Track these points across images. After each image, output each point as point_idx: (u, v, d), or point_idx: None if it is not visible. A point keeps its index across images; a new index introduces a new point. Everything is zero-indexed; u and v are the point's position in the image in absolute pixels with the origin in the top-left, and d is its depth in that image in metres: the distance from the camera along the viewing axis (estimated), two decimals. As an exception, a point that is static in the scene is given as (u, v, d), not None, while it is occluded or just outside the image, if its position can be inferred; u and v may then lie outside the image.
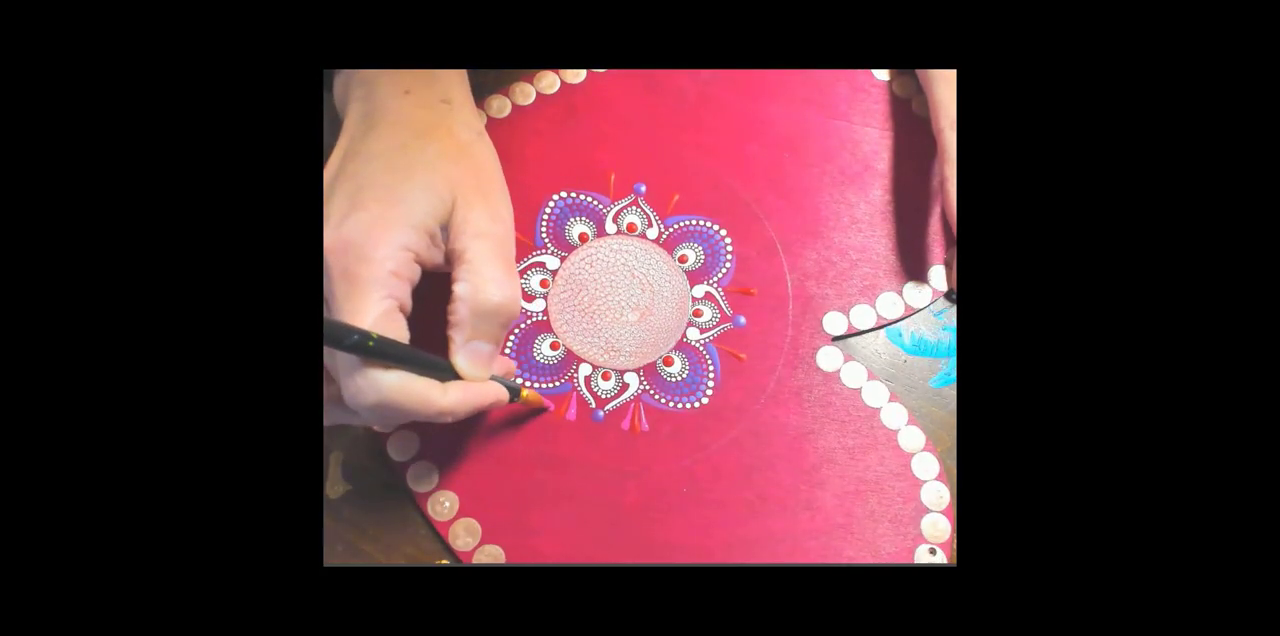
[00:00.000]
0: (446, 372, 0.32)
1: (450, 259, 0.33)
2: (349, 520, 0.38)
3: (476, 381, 0.32)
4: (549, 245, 0.41)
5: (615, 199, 0.42)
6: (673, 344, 0.40)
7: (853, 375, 0.40)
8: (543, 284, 0.41)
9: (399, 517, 0.38)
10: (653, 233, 0.42)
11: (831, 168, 0.43)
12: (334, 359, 0.30)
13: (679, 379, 0.39)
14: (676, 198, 0.42)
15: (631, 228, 0.42)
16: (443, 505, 0.37)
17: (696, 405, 0.39)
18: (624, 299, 0.41)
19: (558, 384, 0.39)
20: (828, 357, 0.40)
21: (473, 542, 0.37)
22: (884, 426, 0.39)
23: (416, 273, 0.31)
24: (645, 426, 0.39)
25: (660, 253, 0.41)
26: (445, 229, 0.32)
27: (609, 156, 0.43)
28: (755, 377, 0.40)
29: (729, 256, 0.42)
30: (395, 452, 0.38)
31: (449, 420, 0.32)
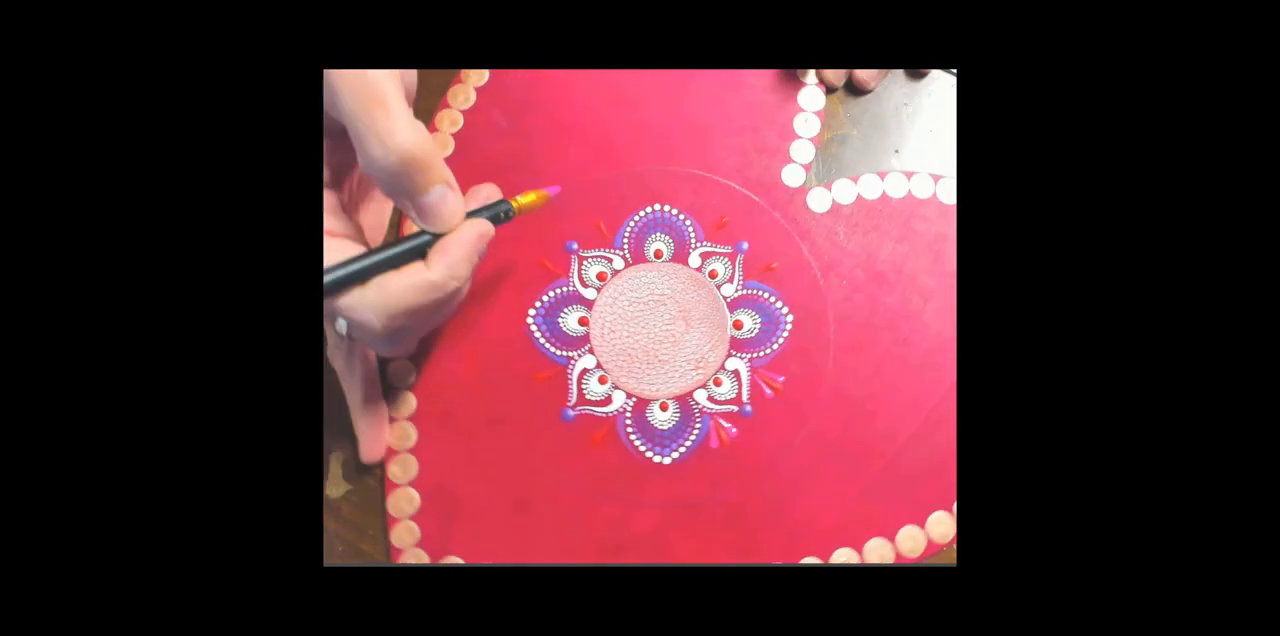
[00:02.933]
0: (423, 246, 0.30)
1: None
2: (349, 520, 0.38)
3: (452, 231, 0.31)
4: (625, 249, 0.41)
5: (711, 240, 0.41)
6: (677, 392, 0.39)
7: None
8: (599, 277, 0.40)
9: (399, 517, 0.38)
10: (729, 289, 0.40)
11: None
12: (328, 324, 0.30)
13: (663, 427, 0.39)
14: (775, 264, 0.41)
15: (713, 274, 0.41)
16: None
17: (664, 460, 0.39)
18: (662, 326, 0.40)
19: (561, 354, 0.39)
20: None
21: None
22: None
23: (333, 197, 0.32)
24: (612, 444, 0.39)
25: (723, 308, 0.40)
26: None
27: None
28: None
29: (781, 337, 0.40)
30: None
31: (456, 286, 0.30)
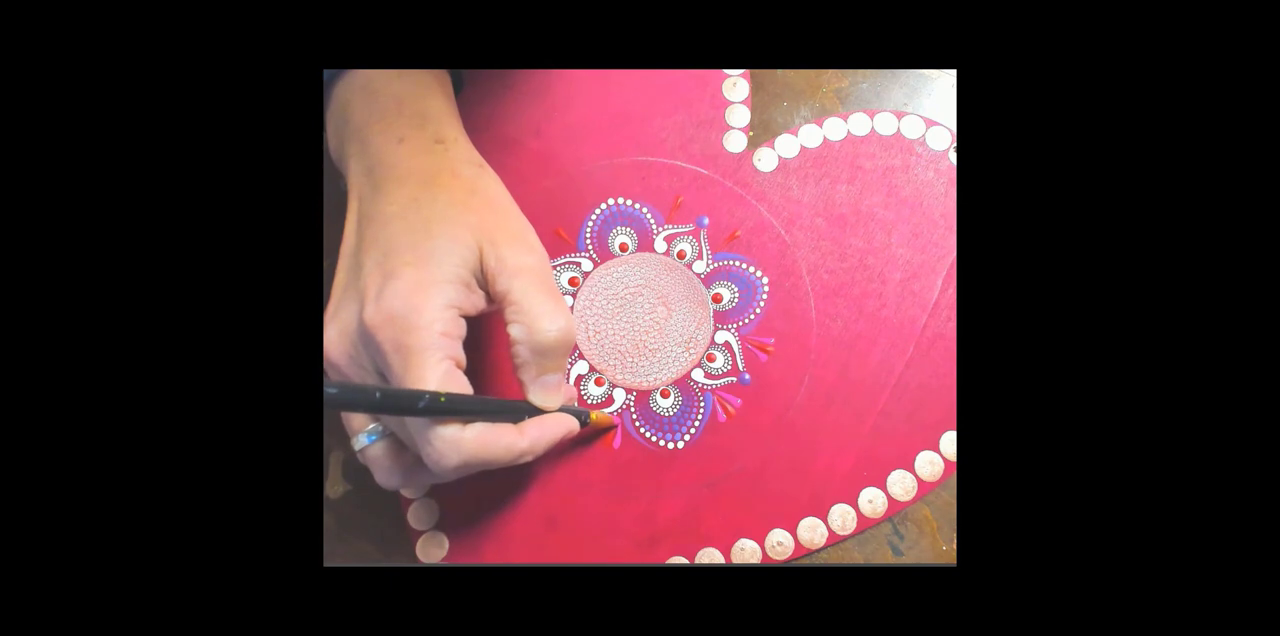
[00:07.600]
0: (520, 413, 0.32)
1: (495, 300, 0.33)
2: (349, 520, 0.38)
3: (549, 413, 0.33)
4: (590, 248, 0.41)
5: (671, 221, 0.41)
6: (675, 377, 0.39)
7: None
8: (572, 282, 0.41)
9: (399, 517, 0.38)
10: (700, 265, 0.41)
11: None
12: (405, 428, 0.30)
13: (668, 414, 0.39)
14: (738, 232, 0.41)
15: (681, 255, 0.41)
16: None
17: (677, 445, 0.39)
18: (646, 314, 0.40)
19: None
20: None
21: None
22: None
23: (463, 326, 0.31)
24: (617, 444, 0.38)
25: (699, 285, 0.41)
26: (479, 274, 0.32)
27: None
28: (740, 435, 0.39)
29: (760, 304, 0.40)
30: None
31: (529, 459, 0.32)
